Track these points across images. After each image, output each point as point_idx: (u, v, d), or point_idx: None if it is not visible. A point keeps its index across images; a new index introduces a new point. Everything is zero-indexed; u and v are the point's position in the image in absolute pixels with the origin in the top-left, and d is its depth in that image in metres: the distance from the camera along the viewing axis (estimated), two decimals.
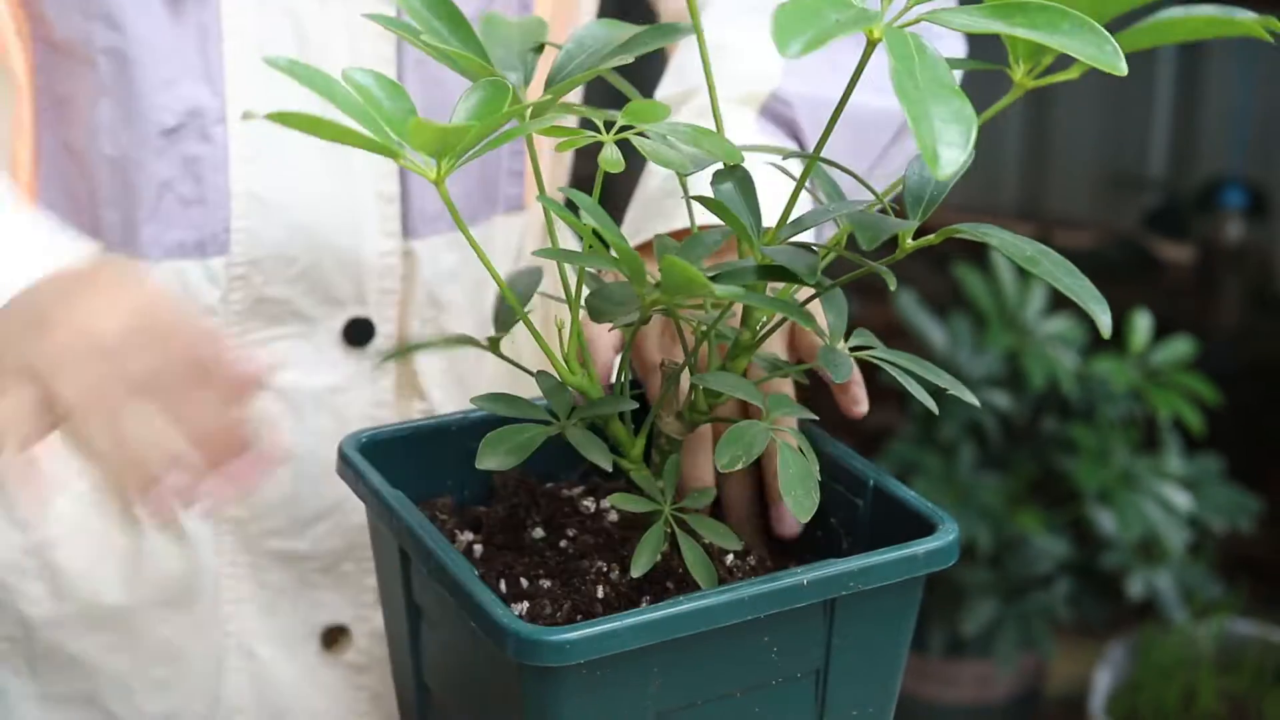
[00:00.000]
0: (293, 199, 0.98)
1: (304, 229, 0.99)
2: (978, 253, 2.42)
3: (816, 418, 0.78)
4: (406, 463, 0.82)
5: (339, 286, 1.01)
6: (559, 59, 0.77)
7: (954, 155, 0.58)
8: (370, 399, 1.04)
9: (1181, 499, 2.26)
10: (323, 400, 1.03)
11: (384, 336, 1.03)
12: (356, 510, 1.04)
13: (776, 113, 1.00)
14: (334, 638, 1.08)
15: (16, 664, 1.03)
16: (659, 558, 0.75)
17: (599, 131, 0.72)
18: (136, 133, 0.95)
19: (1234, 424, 2.58)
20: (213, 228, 0.97)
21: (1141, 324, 2.29)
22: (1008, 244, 0.69)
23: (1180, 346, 2.29)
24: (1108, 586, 2.34)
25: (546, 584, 0.77)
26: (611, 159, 0.71)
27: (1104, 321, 0.68)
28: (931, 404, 0.73)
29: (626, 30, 0.78)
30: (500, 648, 0.66)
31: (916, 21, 0.63)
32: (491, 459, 0.74)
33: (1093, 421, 2.28)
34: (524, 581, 0.77)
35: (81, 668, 1.03)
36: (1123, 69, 0.60)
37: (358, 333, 1.03)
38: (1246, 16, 0.65)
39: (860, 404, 0.88)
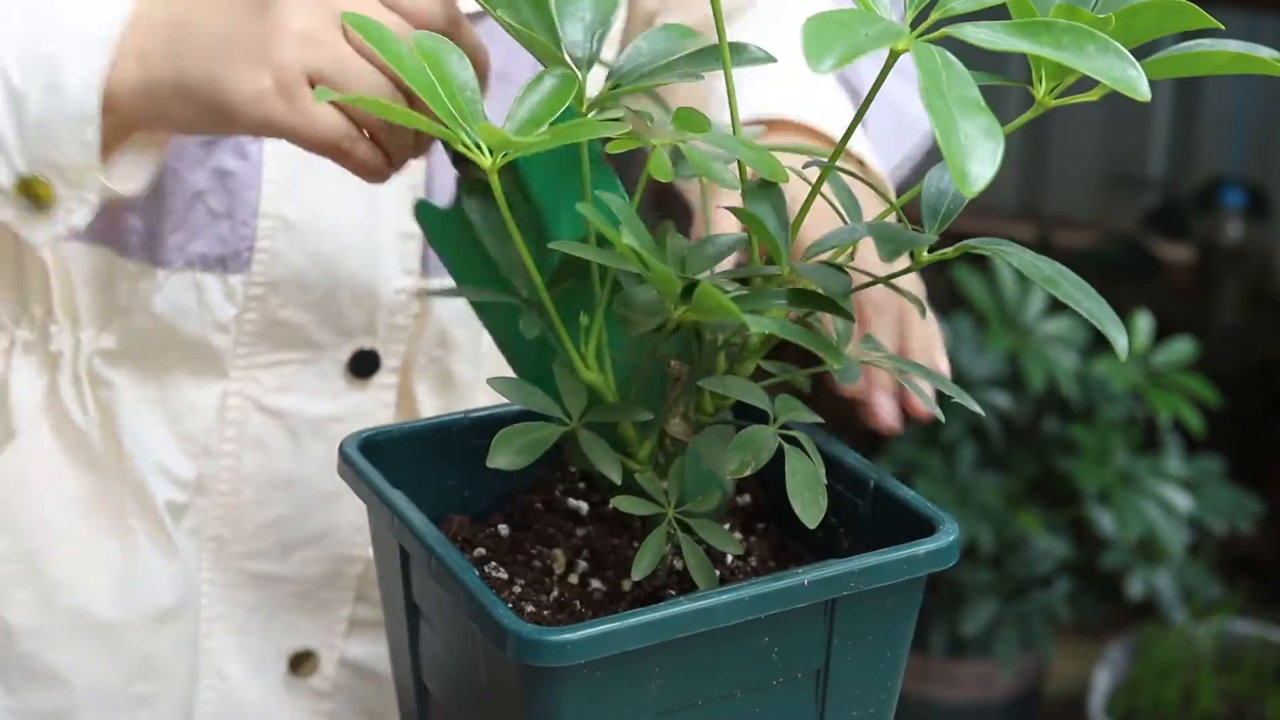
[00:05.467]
0: (319, 225, 0.98)
1: (325, 258, 0.98)
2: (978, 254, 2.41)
3: (822, 420, 0.78)
4: (407, 463, 0.81)
5: (351, 317, 1.01)
6: (620, 62, 0.75)
7: (982, 172, 0.58)
8: None
9: (1181, 499, 2.25)
10: (320, 428, 1.03)
11: (388, 370, 1.03)
12: (343, 540, 1.05)
13: (844, 78, 1.03)
14: (301, 662, 1.08)
15: None
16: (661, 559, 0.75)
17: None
18: (177, 140, 0.93)
19: (1234, 424, 2.58)
20: (236, 245, 0.97)
21: (1142, 325, 2.29)
22: (1027, 264, 0.69)
23: (1181, 348, 2.29)
24: (1107, 586, 2.34)
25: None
26: (663, 167, 0.70)
27: (1121, 345, 0.68)
28: (940, 414, 0.73)
29: (693, 41, 0.75)
30: (500, 648, 0.66)
31: (941, 35, 0.62)
32: (503, 457, 0.73)
33: (1093, 422, 2.28)
34: None
35: (58, 681, 1.01)
36: (1146, 94, 0.60)
37: (363, 364, 1.03)
38: (1269, 55, 0.65)
39: (883, 413, 0.89)
